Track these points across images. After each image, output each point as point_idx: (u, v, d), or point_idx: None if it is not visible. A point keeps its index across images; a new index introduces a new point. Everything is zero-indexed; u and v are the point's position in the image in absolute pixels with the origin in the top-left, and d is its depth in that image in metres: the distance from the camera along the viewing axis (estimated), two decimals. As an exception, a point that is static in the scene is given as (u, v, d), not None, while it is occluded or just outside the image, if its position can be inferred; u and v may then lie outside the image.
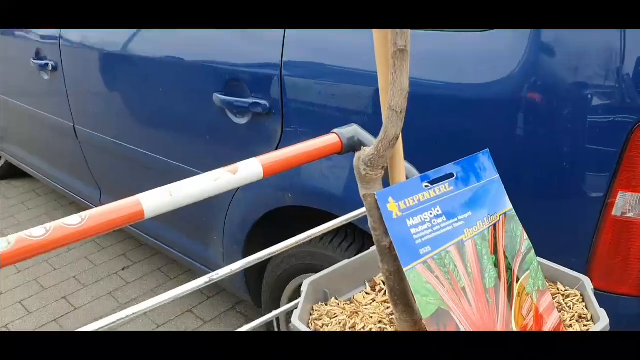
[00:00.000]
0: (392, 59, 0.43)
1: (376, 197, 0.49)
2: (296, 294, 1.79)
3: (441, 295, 0.49)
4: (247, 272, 1.87)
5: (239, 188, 1.62)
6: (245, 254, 1.79)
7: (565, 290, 0.61)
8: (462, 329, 0.49)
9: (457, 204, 0.52)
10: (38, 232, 0.59)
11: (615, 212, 1.05)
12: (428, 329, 0.50)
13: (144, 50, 1.88)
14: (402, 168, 0.54)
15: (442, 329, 0.49)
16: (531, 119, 1.11)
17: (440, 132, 1.23)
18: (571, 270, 0.61)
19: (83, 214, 0.63)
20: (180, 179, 1.91)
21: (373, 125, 1.28)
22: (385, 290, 0.65)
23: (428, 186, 0.51)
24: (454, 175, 0.53)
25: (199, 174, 1.93)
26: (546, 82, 1.07)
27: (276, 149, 1.59)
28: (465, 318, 0.50)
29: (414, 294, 0.49)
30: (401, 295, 0.54)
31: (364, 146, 0.84)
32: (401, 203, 0.50)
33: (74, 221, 0.62)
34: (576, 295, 0.60)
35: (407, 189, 0.50)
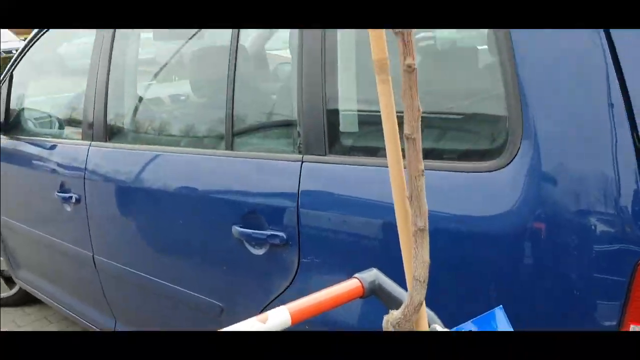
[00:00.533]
0: (414, 237, 0.50)
1: (404, 357, 0.54)
2: None
3: None
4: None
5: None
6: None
7: None
8: None
9: (478, 360, 0.56)
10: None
11: (630, 344, 1.07)
12: None
13: (165, 184, 1.99)
14: (426, 326, 0.59)
15: None
16: (537, 251, 1.16)
17: (447, 264, 1.28)
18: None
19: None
20: (198, 309, 1.97)
21: (385, 255, 1.34)
22: None
23: (451, 343, 0.56)
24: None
25: (216, 304, 1.95)
26: (549, 213, 1.14)
27: (293, 279, 1.64)
28: None
29: None
30: None
31: (382, 288, 0.89)
32: (427, 361, 0.55)
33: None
34: None
35: (432, 348, 0.55)
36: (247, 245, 1.72)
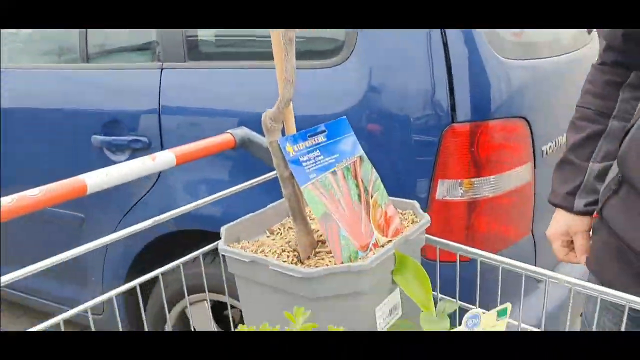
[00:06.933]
0: (284, 46, 0.69)
1: (279, 142, 0.73)
2: (180, 320, 1.90)
3: (325, 204, 0.74)
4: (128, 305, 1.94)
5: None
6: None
7: (403, 213, 0.89)
8: (340, 226, 0.74)
9: (329, 149, 0.78)
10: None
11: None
12: (320, 228, 0.75)
13: (24, 101, 1.97)
14: (293, 123, 0.79)
15: (328, 228, 0.73)
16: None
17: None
18: (405, 199, 0.89)
19: (41, 187, 0.79)
20: (67, 225, 2.06)
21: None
22: (282, 234, 0.88)
23: (311, 136, 0.77)
24: (325, 131, 0.79)
25: (78, 215, 1.98)
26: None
27: (155, 182, 1.76)
28: (341, 218, 0.75)
29: (308, 203, 0.73)
30: (299, 212, 0.77)
31: (251, 141, 1.08)
32: (295, 146, 0.75)
33: (34, 192, 0.77)
34: (410, 214, 0.89)
35: (297, 138, 0.75)
36: (107, 152, 1.79)
